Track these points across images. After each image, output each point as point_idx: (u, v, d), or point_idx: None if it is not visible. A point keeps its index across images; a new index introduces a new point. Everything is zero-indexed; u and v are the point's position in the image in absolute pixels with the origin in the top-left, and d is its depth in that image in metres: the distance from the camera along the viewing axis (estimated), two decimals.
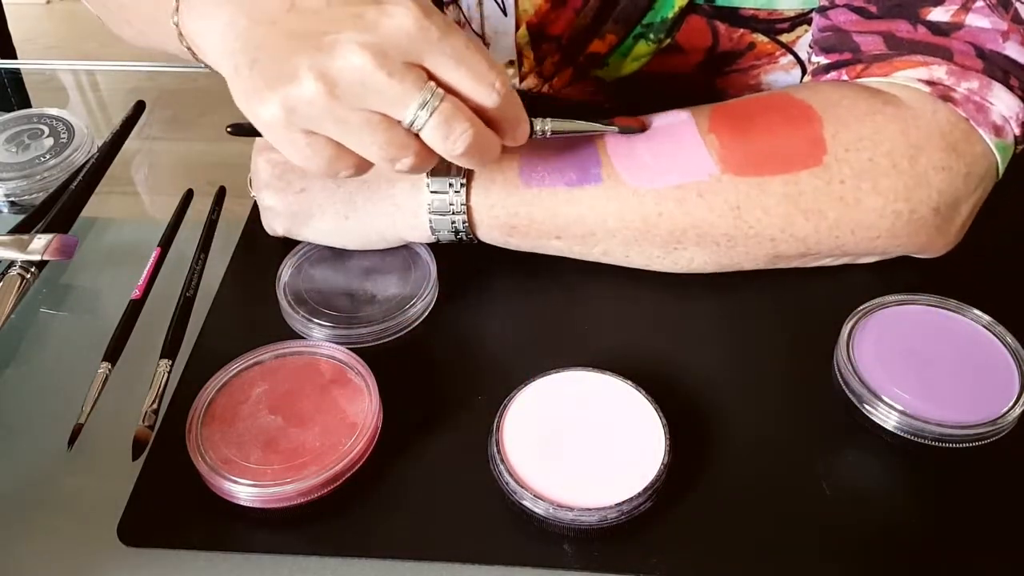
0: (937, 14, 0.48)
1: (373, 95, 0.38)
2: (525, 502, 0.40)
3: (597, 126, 0.48)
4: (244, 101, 0.40)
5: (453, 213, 0.49)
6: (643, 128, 0.48)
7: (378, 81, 0.37)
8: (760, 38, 0.55)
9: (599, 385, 0.45)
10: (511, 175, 0.49)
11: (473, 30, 0.58)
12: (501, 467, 0.41)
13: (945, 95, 0.48)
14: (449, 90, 0.39)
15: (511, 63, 0.59)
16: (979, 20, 0.48)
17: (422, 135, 0.39)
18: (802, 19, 0.54)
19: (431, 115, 0.38)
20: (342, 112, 0.38)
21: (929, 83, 0.48)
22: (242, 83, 0.39)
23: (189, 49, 0.44)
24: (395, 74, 0.37)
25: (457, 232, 0.50)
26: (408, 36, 0.37)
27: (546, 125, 0.46)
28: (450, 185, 0.49)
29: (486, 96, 0.39)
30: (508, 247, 0.52)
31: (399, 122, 0.39)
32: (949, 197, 0.48)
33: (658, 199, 0.48)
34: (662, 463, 0.41)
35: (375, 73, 0.37)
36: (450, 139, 0.39)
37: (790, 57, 0.56)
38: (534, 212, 0.49)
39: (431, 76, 0.39)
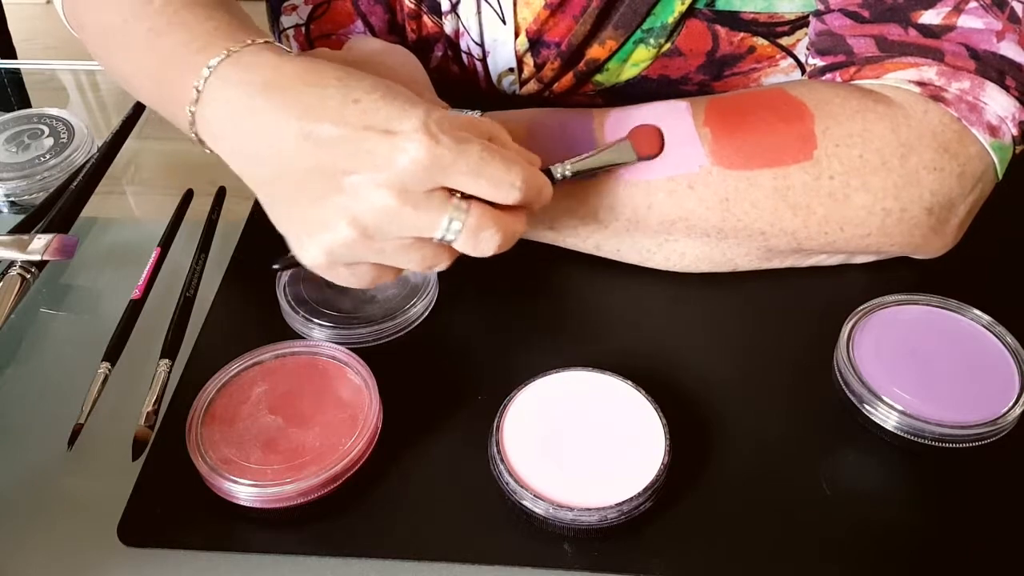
0: (928, 17, 0.49)
1: (403, 227, 0.40)
2: (525, 502, 0.40)
3: (614, 156, 0.48)
4: (285, 236, 0.43)
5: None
6: (659, 151, 0.48)
7: (405, 215, 0.39)
8: (760, 41, 0.55)
9: (599, 385, 0.45)
10: None
11: (472, 40, 0.58)
12: (501, 467, 0.41)
13: (936, 95, 0.48)
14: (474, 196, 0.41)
15: (510, 70, 0.59)
16: (972, 21, 0.48)
17: (454, 245, 0.41)
18: (802, 22, 0.54)
19: (459, 231, 0.40)
20: (377, 246, 0.41)
21: (919, 84, 0.49)
22: (278, 221, 0.43)
23: (200, 140, 0.45)
24: (419, 205, 0.39)
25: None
26: (424, 167, 0.39)
27: (565, 169, 0.46)
28: None
29: (508, 197, 0.41)
30: None
31: (431, 239, 0.41)
32: (943, 198, 0.48)
33: (648, 190, 0.49)
34: (662, 463, 0.41)
35: (401, 210, 0.39)
36: (480, 246, 0.41)
37: (790, 60, 0.56)
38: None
39: (453, 191, 0.40)
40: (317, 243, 0.41)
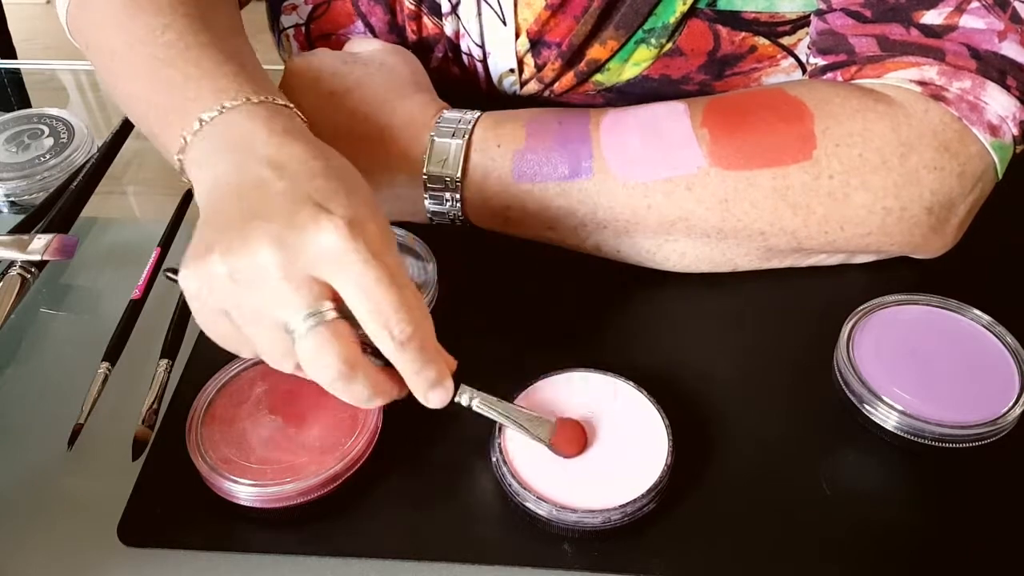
0: (930, 17, 0.49)
1: (266, 294, 0.37)
2: (528, 504, 0.40)
3: (531, 425, 0.42)
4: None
5: (449, 205, 0.51)
6: (576, 454, 0.42)
7: (274, 280, 0.37)
8: (761, 41, 0.55)
9: (602, 386, 0.45)
10: (505, 171, 0.50)
11: (472, 41, 0.58)
12: (504, 469, 0.41)
13: (937, 95, 0.48)
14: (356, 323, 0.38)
15: (511, 71, 0.59)
16: (974, 21, 0.48)
17: (295, 348, 0.37)
18: (803, 22, 0.54)
19: (307, 332, 0.37)
20: (237, 298, 0.38)
21: (920, 83, 0.49)
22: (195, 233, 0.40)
23: (182, 170, 0.45)
24: (292, 280, 0.37)
25: (453, 220, 0.52)
26: (322, 253, 0.37)
27: (474, 399, 0.41)
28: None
29: (381, 335, 0.37)
30: (505, 232, 0.53)
31: (284, 326, 0.37)
32: (943, 197, 0.48)
33: (647, 192, 0.49)
34: (665, 464, 0.41)
35: (274, 272, 0.37)
36: (317, 365, 0.37)
37: (791, 60, 0.56)
38: (527, 205, 0.50)
39: (337, 301, 0.37)
40: (197, 262, 0.38)
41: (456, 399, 0.41)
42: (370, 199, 0.40)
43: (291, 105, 0.45)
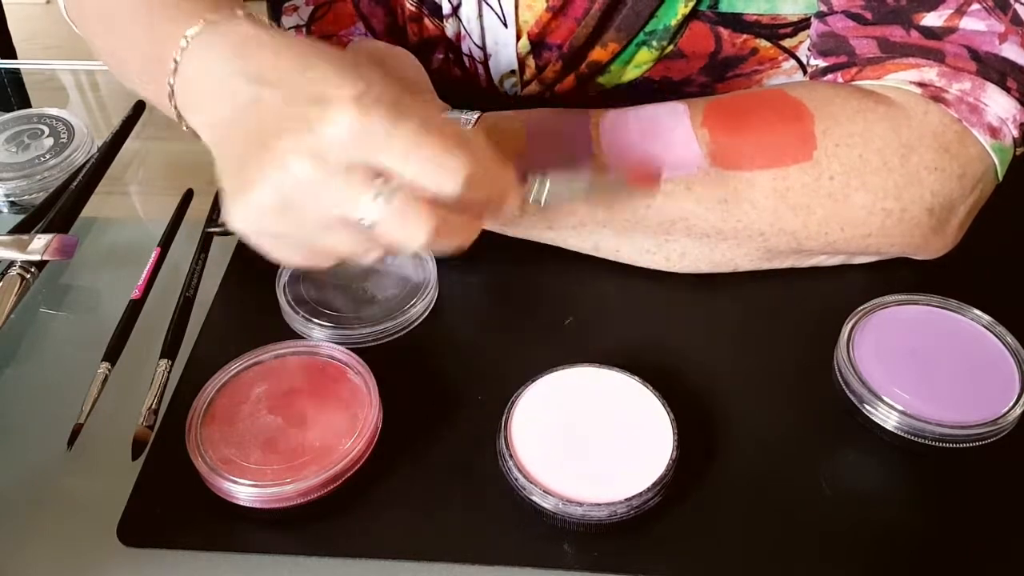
0: (931, 19, 0.49)
1: (320, 200, 0.37)
2: (534, 498, 0.40)
3: (605, 185, 0.44)
4: (222, 197, 0.40)
5: None
6: (655, 187, 0.45)
7: (320, 188, 0.36)
8: (763, 43, 0.55)
9: (607, 381, 0.45)
10: None
11: (474, 42, 0.58)
12: (510, 463, 0.41)
13: (936, 96, 0.48)
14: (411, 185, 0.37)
15: (512, 72, 0.59)
16: (974, 23, 0.48)
17: (378, 230, 0.37)
18: (805, 24, 0.54)
19: (380, 214, 0.36)
20: (298, 218, 0.38)
21: (920, 85, 0.49)
22: (221, 184, 0.40)
23: (179, 116, 0.44)
24: (338, 177, 0.36)
25: None
26: (348, 140, 0.36)
27: (543, 192, 0.41)
28: None
29: (446, 184, 0.37)
30: (505, 234, 0.53)
31: (356, 220, 0.37)
32: (943, 198, 0.48)
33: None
34: (671, 458, 0.41)
35: (318, 179, 0.36)
36: (407, 233, 0.37)
37: (793, 62, 0.56)
38: (526, 204, 0.50)
39: (386, 174, 0.37)
40: (242, 205, 0.38)
41: (531, 199, 0.40)
42: (352, 61, 0.39)
43: (252, 13, 0.43)
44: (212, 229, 0.50)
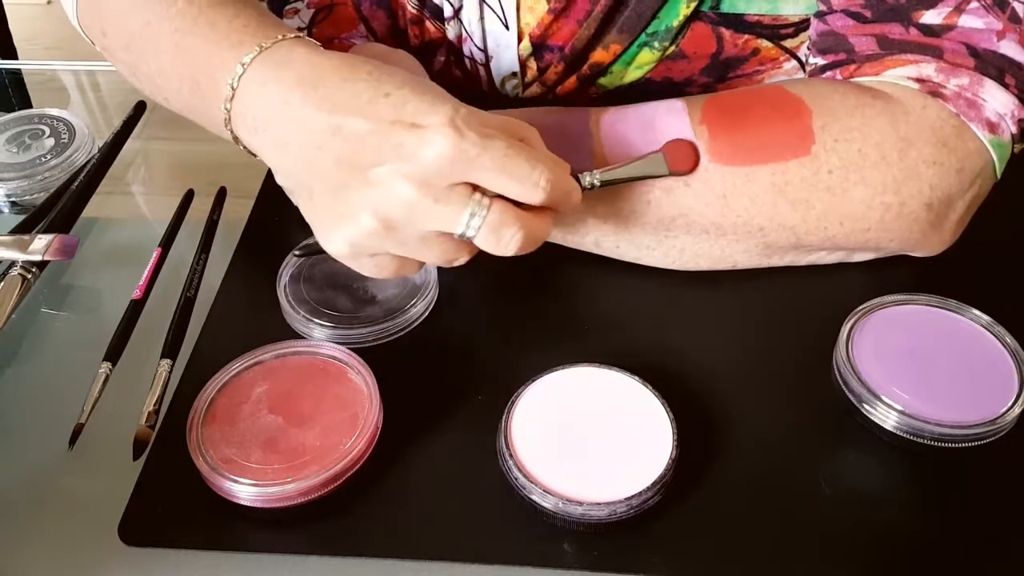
0: (929, 16, 0.49)
1: (424, 220, 0.40)
2: (534, 497, 0.41)
3: (646, 168, 0.48)
4: (312, 226, 0.44)
5: None
6: (694, 170, 0.48)
7: (426, 209, 0.40)
8: (764, 44, 0.55)
9: (606, 381, 0.45)
10: None
11: (475, 44, 0.58)
12: (510, 462, 0.42)
13: (935, 91, 0.48)
14: (498, 195, 0.41)
15: (513, 74, 0.59)
16: (973, 21, 0.48)
17: (475, 242, 0.41)
18: (806, 24, 0.54)
19: (480, 227, 0.40)
20: (399, 238, 0.41)
21: (918, 80, 0.49)
22: (306, 213, 0.44)
23: (236, 138, 0.46)
24: (440, 199, 0.40)
25: None
26: (448, 161, 0.39)
27: (595, 178, 0.46)
28: None
29: (533, 196, 0.41)
30: None
31: (452, 233, 0.41)
32: (942, 193, 0.48)
33: (646, 188, 0.49)
34: (671, 457, 0.41)
35: (422, 203, 0.40)
36: (501, 244, 0.41)
37: (794, 62, 0.56)
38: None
39: (477, 187, 0.40)
40: (342, 234, 0.42)
41: (584, 186, 0.46)
42: (427, 83, 0.42)
43: (299, 33, 0.45)
44: (297, 252, 0.52)
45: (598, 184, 0.46)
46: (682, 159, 0.48)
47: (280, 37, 0.44)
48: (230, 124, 0.45)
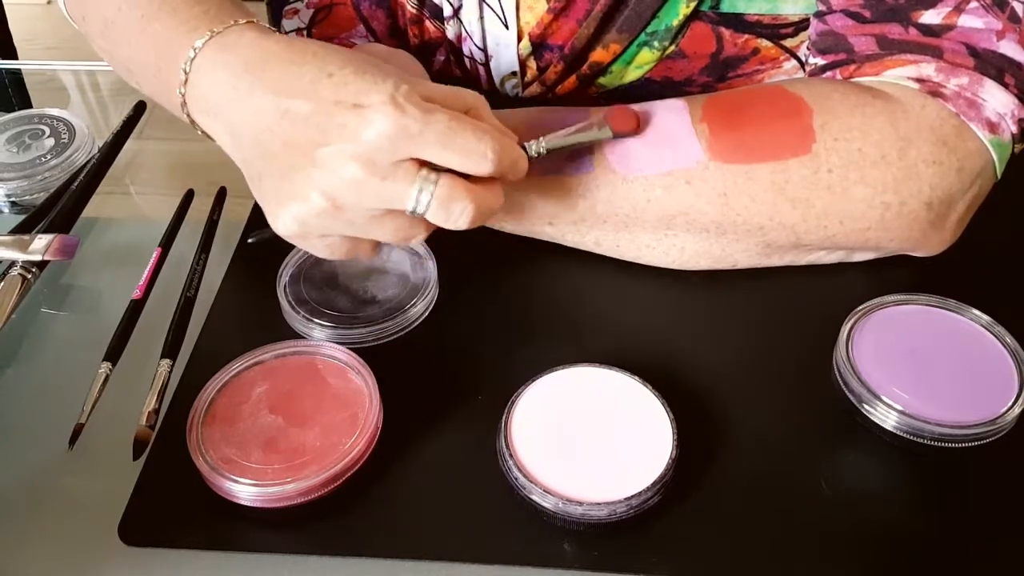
0: (929, 16, 0.49)
1: (372, 198, 0.40)
2: (534, 497, 0.41)
3: (590, 135, 0.48)
4: (263, 208, 0.44)
5: None
6: (637, 130, 0.48)
7: (373, 187, 0.40)
8: (764, 43, 0.55)
9: (606, 381, 0.45)
10: None
11: (475, 44, 0.58)
12: (510, 462, 0.42)
13: (934, 91, 0.48)
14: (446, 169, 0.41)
15: (513, 74, 0.59)
16: (972, 21, 0.48)
17: (427, 217, 0.41)
18: (806, 24, 0.54)
19: (429, 202, 0.40)
20: (348, 217, 0.41)
21: (918, 80, 0.49)
22: (256, 194, 0.44)
23: (192, 122, 0.46)
24: (387, 177, 0.40)
25: None
26: (390, 139, 0.39)
27: (540, 146, 0.46)
28: None
29: (480, 167, 0.41)
30: (503, 231, 0.53)
31: (403, 211, 0.41)
32: (942, 192, 0.48)
33: (647, 186, 0.49)
34: (670, 457, 0.41)
35: (369, 181, 0.40)
36: (452, 218, 0.41)
37: (794, 62, 0.56)
38: (527, 200, 0.50)
39: (425, 163, 0.40)
40: (289, 213, 0.42)
41: (531, 154, 0.46)
42: (371, 62, 0.42)
43: (253, 18, 0.45)
44: (252, 239, 0.52)
45: (544, 152, 0.46)
46: (624, 121, 0.48)
47: (232, 22, 0.44)
48: (186, 108, 0.45)
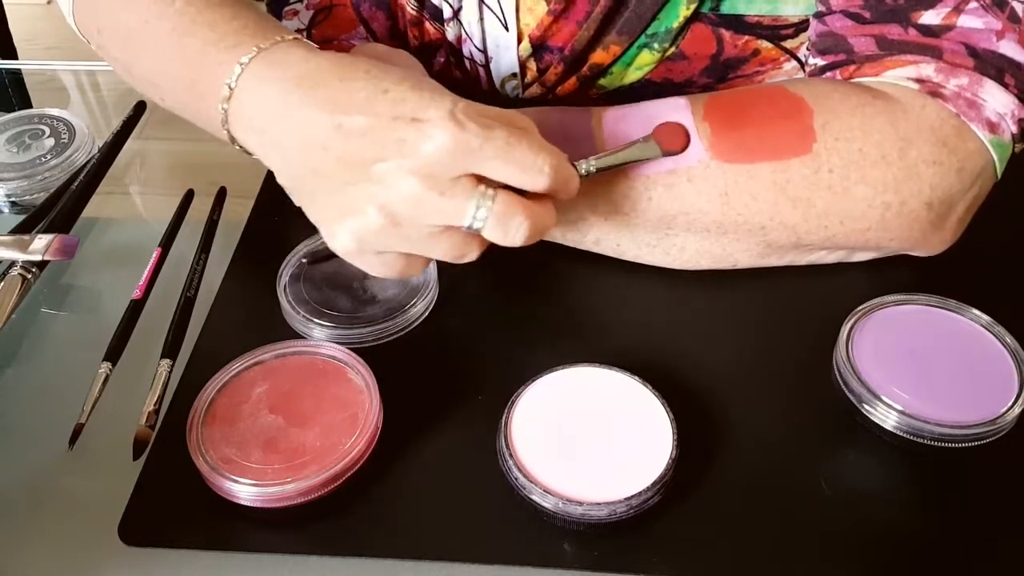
0: (928, 17, 0.49)
1: (430, 214, 0.40)
2: (534, 497, 0.41)
3: (639, 152, 0.48)
4: (317, 226, 0.44)
5: None
6: (685, 147, 0.48)
7: (431, 202, 0.40)
8: (764, 44, 0.55)
9: (606, 381, 0.45)
10: None
11: (475, 46, 0.58)
12: (510, 462, 0.42)
13: (934, 92, 0.48)
14: (503, 184, 0.41)
15: (513, 75, 0.59)
16: (972, 21, 0.48)
17: (483, 234, 0.41)
18: (806, 25, 0.54)
19: (486, 218, 0.40)
20: (405, 233, 0.41)
21: (918, 80, 0.49)
22: (309, 212, 0.44)
23: (232, 139, 0.46)
24: (445, 192, 0.40)
25: None
26: (450, 154, 0.39)
27: (591, 165, 0.46)
28: None
29: (537, 183, 0.41)
30: None
31: (460, 227, 0.41)
32: (942, 192, 0.48)
33: (648, 185, 0.49)
34: (670, 457, 0.41)
35: (427, 196, 0.40)
36: (509, 234, 0.41)
37: (794, 63, 0.56)
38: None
39: (482, 179, 0.40)
40: (347, 230, 0.41)
41: (582, 173, 0.46)
42: (424, 79, 0.42)
43: (297, 35, 0.45)
44: (305, 259, 0.52)
45: (594, 171, 0.46)
46: (673, 139, 0.48)
47: (279, 39, 0.44)
48: (227, 124, 0.45)
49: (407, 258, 0.43)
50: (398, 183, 0.39)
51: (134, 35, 0.48)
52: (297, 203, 0.45)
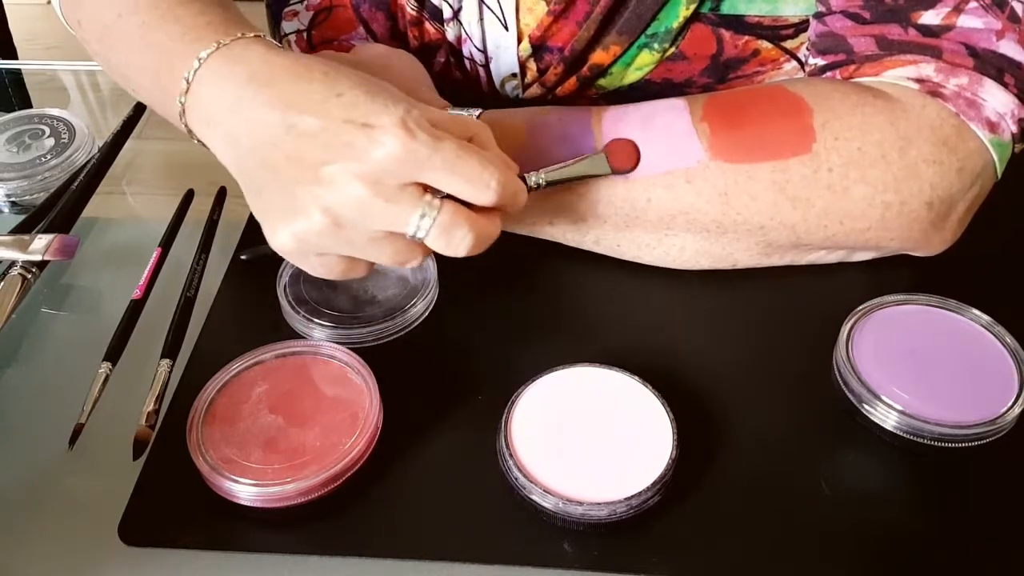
0: (928, 17, 0.49)
1: (374, 219, 0.40)
2: (534, 497, 0.41)
3: (589, 167, 0.48)
4: (260, 221, 0.43)
5: None
6: (635, 167, 0.49)
7: (376, 208, 0.40)
8: (764, 45, 0.55)
9: (606, 381, 0.45)
10: None
11: (475, 46, 0.58)
12: (510, 462, 0.42)
13: (934, 91, 0.48)
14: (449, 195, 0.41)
15: (513, 75, 0.59)
16: (971, 21, 0.48)
17: (426, 242, 0.41)
18: (806, 25, 0.54)
19: (431, 227, 0.40)
20: (348, 236, 0.41)
21: (918, 80, 0.49)
22: (254, 208, 0.43)
23: (190, 132, 0.46)
24: (391, 199, 0.40)
25: None
26: (398, 161, 0.39)
27: (540, 178, 0.47)
28: None
29: (483, 196, 0.41)
30: (504, 230, 0.53)
31: (403, 234, 0.41)
32: (943, 192, 0.48)
33: (647, 185, 0.49)
34: (670, 457, 0.41)
35: (373, 202, 0.39)
36: (452, 245, 0.41)
37: (794, 63, 0.56)
38: (528, 200, 0.50)
39: (428, 188, 0.40)
40: (289, 229, 0.41)
41: (530, 186, 0.46)
42: (381, 84, 0.42)
43: (259, 32, 0.45)
44: (245, 256, 0.52)
45: (543, 184, 0.47)
46: (623, 158, 0.48)
47: (239, 35, 0.44)
48: (184, 117, 0.45)
49: (348, 261, 0.43)
50: (344, 187, 0.39)
51: (109, 28, 0.49)
52: (246, 198, 0.44)
